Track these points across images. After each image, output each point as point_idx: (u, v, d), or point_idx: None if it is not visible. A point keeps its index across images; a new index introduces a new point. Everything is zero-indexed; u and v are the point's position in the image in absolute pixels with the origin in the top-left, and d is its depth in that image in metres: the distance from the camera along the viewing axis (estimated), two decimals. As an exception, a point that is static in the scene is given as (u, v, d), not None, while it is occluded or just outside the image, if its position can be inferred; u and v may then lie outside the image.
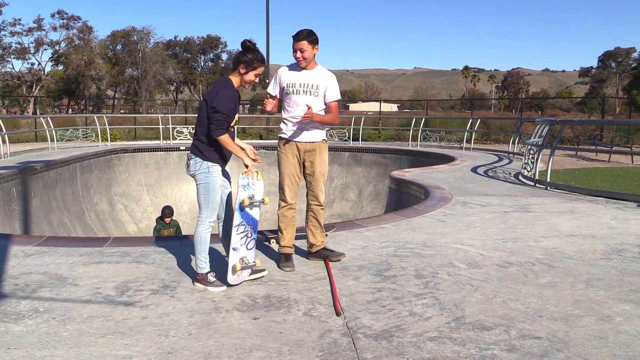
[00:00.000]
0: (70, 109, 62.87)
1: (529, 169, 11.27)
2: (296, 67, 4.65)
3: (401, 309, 3.70)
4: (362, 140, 22.99)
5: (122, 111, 55.37)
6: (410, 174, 11.64)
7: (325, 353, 3.03)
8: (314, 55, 4.58)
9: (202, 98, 3.96)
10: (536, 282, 4.31)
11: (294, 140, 4.66)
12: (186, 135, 22.28)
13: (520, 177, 11.43)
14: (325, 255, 4.86)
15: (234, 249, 4.08)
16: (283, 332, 3.32)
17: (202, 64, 77.48)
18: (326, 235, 5.28)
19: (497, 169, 13.18)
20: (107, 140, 20.62)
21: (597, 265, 4.82)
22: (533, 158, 10.95)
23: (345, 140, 22.76)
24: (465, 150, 19.45)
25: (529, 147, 11.53)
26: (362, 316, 3.58)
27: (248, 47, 4.13)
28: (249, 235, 4.20)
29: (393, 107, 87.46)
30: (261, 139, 27.65)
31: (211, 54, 77.09)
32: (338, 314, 3.60)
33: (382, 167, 18.68)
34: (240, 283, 4.20)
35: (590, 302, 3.88)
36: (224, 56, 77.58)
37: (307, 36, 4.52)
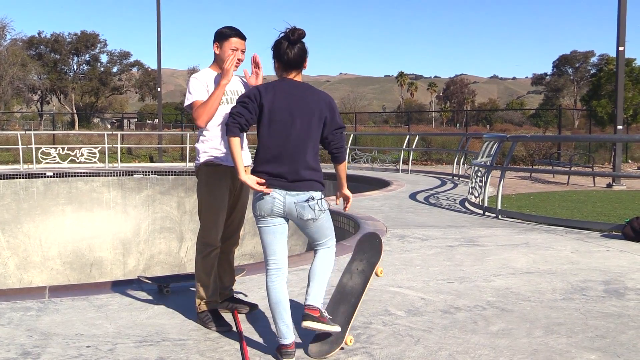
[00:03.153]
0: None
1: (476, 195, 11.65)
2: (211, 72, 4.57)
3: (328, 370, 3.70)
4: (278, 162, 23.01)
5: (-32, 127, 53.01)
6: (337, 202, 11.73)
7: None
8: None
9: (307, 108, 3.70)
10: (488, 330, 4.43)
11: (229, 165, 4.45)
12: (54, 157, 21.59)
13: (466, 204, 11.79)
14: (234, 307, 4.80)
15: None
16: (180, 405, 3.24)
17: (75, 67, 75.59)
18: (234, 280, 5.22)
19: (439, 195, 13.54)
20: (-51, 164, 19.67)
21: (557, 307, 5.02)
22: (481, 181, 11.34)
23: (258, 162, 22.71)
24: (402, 172, 19.88)
25: (476, 168, 11.93)
26: (280, 381, 3.55)
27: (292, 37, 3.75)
28: None
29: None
30: (152, 161, 27.21)
31: (87, 55, 75.35)
32: (249, 380, 3.55)
33: (302, 195, 18.73)
34: None
35: (550, 351, 4.02)
36: (104, 58, 76.15)
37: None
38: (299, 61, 3.77)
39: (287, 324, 3.73)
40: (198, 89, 4.44)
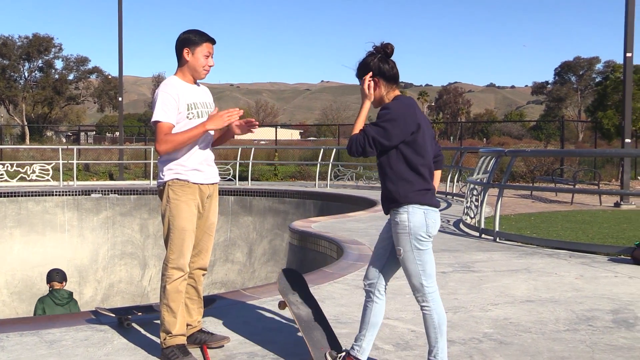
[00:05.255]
0: None
1: (472, 215, 11.69)
2: (180, 82, 4.61)
3: (307, 411, 3.68)
4: (252, 180, 23.02)
5: None
6: (318, 224, 11.74)
7: None
8: None
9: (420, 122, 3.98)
10: (485, 366, 4.43)
11: (197, 182, 4.55)
12: (1, 175, 21.42)
13: (461, 225, 11.83)
14: (203, 340, 4.77)
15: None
16: None
17: (26, 74, 75.23)
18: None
19: (431, 216, 13.56)
20: None
21: (560, 339, 5.04)
22: (477, 200, 11.38)
23: (230, 179, 22.71)
24: (390, 191, 19.89)
25: (472, 186, 11.98)
26: None
27: None
28: None
29: (294, 134, 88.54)
30: (111, 179, 27.07)
31: (39, 61, 75.06)
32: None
33: (280, 216, 18.74)
34: None
35: (553, 388, 4.03)
36: (58, 64, 75.83)
37: None
38: (399, 75, 4.09)
39: None
40: (168, 108, 4.45)
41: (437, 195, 4.04)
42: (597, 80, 79.04)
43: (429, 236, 3.91)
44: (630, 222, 13.00)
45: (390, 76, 3.99)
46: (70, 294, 9.37)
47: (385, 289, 4.11)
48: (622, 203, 16.55)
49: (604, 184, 23.77)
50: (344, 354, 4.11)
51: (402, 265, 3.95)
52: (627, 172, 17.32)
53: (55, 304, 9.01)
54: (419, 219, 3.84)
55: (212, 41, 4.61)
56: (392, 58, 4.04)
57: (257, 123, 4.71)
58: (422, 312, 3.94)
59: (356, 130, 3.92)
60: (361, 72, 4.05)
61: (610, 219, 13.56)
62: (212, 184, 4.69)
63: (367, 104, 4.00)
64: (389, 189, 3.92)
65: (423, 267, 3.89)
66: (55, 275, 9.49)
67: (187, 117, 4.50)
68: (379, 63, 3.98)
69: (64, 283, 9.57)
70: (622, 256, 8.63)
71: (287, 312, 5.82)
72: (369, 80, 3.96)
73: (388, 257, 4.08)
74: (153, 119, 4.45)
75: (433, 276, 3.95)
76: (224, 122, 4.43)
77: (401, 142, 3.85)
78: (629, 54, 16.58)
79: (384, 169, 3.94)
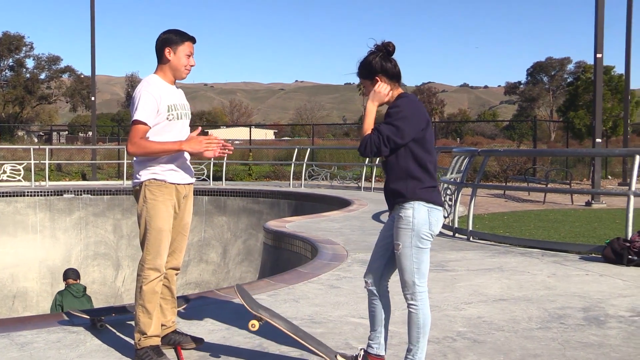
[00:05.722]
0: None
1: (445, 215, 11.75)
2: (162, 82, 4.59)
3: (282, 411, 3.68)
4: (226, 180, 22.96)
5: None
6: (292, 224, 11.74)
7: None
8: None
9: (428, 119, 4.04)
10: (458, 364, 4.46)
11: (174, 182, 4.56)
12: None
13: (435, 225, 11.87)
14: (177, 341, 4.75)
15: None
16: None
17: (-3, 73, 74.46)
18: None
19: (405, 215, 13.61)
20: None
21: (533, 337, 5.09)
22: (450, 200, 11.46)
23: (204, 179, 22.64)
24: (364, 191, 19.97)
25: (445, 185, 12.04)
26: None
27: None
28: None
29: (268, 134, 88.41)
30: (84, 179, 26.87)
31: (10, 60, 74.33)
32: None
33: (254, 216, 18.71)
34: None
35: (525, 386, 4.07)
36: (30, 63, 75.11)
37: None
38: (401, 73, 4.09)
39: None
40: (148, 109, 4.42)
41: None
42: (568, 80, 79.90)
43: (431, 235, 3.95)
44: (601, 220, 13.15)
45: (393, 74, 4.00)
46: (85, 288, 10.69)
47: (388, 285, 4.21)
48: (593, 202, 16.72)
49: (576, 183, 24.01)
50: (363, 353, 4.14)
51: (398, 260, 3.96)
52: (597, 172, 17.52)
53: (74, 296, 10.35)
54: (423, 216, 3.88)
55: (193, 40, 4.62)
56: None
57: (232, 150, 4.70)
58: (408, 310, 3.97)
59: (368, 131, 3.90)
60: (363, 71, 4.05)
61: (582, 218, 13.71)
62: (188, 184, 4.69)
63: (376, 106, 4.00)
64: (397, 186, 3.93)
65: (418, 265, 3.94)
66: (71, 273, 10.98)
67: (167, 119, 4.49)
68: (381, 62, 3.98)
69: (78, 280, 11.01)
70: (593, 254, 8.72)
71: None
72: (385, 85, 3.98)
73: (390, 256, 4.12)
74: (133, 118, 4.43)
75: (426, 276, 3.99)
76: (201, 148, 4.46)
77: (411, 139, 3.86)
78: (599, 55, 16.75)
79: (392, 167, 3.95)
